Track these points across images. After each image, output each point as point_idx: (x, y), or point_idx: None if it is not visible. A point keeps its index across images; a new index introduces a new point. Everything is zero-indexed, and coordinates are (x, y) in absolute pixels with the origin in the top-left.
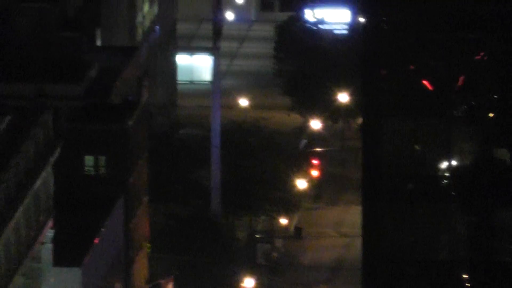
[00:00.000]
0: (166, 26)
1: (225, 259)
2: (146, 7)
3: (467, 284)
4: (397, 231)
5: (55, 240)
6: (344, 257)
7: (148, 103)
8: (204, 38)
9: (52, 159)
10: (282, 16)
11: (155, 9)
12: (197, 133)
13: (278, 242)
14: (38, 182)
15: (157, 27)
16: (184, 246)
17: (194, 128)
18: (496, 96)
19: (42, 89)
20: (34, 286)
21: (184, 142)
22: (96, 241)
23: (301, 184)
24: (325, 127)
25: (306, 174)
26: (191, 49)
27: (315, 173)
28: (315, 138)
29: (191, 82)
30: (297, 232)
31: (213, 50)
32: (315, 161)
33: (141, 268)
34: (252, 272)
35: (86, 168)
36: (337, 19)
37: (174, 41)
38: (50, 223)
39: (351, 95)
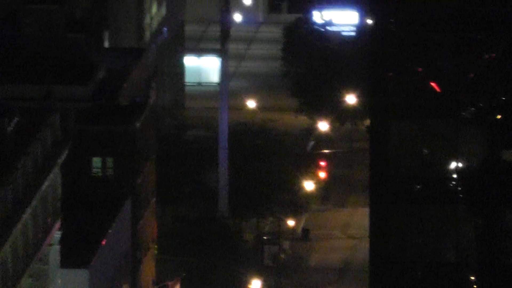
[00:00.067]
0: (174, 28)
1: (232, 260)
2: (154, 9)
3: (474, 286)
4: (404, 233)
5: (63, 241)
6: (351, 259)
7: (155, 105)
8: (212, 39)
9: (59, 161)
10: (290, 18)
11: (163, 10)
12: (204, 134)
13: (286, 244)
14: (46, 184)
15: (165, 28)
16: (191, 248)
17: (202, 130)
18: (504, 98)
19: (50, 90)
20: None
21: (191, 144)
22: (103, 242)
23: (309, 185)
24: (333, 129)
25: (314, 176)
26: (199, 51)
27: (322, 174)
28: (323, 139)
29: (199, 84)
30: (305, 234)
31: (221, 52)
32: (322, 163)
33: (148, 269)
34: (259, 273)
35: (94, 170)
36: (345, 21)
37: (182, 43)
38: (57, 225)
39: (358, 96)
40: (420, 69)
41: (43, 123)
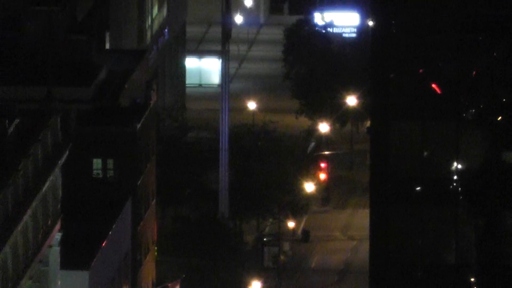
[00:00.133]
0: (175, 30)
1: (233, 262)
2: (155, 11)
3: None
4: (405, 235)
5: (63, 243)
6: (351, 261)
7: (156, 106)
8: (213, 41)
9: (60, 162)
10: (291, 19)
11: (164, 12)
12: (205, 136)
13: (286, 245)
14: (46, 185)
15: (166, 30)
16: (191, 249)
17: (203, 131)
18: (504, 99)
19: (51, 92)
20: None
21: (192, 145)
22: (103, 244)
23: (309, 187)
24: (333, 130)
25: (314, 177)
26: (200, 52)
27: (323, 176)
28: (323, 141)
29: (200, 85)
30: (305, 235)
31: (222, 53)
32: (323, 164)
33: (148, 271)
34: (259, 275)
35: (94, 171)
36: (346, 23)
37: (183, 44)
38: (57, 226)
39: (359, 98)
40: (420, 70)
41: (43, 124)
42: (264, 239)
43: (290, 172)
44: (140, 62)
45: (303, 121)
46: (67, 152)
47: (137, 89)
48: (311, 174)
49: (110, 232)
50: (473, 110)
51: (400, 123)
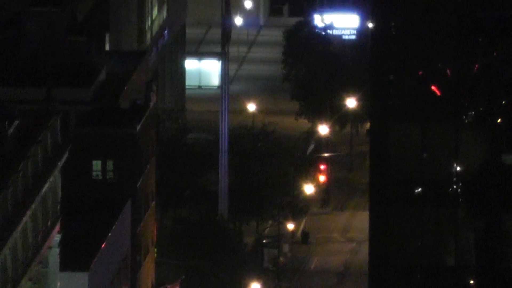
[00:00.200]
0: (175, 31)
1: (232, 263)
2: (155, 12)
3: None
4: (404, 236)
5: (62, 244)
6: (351, 262)
7: (156, 108)
8: (213, 43)
9: (60, 164)
10: (291, 21)
11: (164, 13)
12: (205, 137)
13: (285, 247)
14: (46, 187)
15: (166, 32)
16: (191, 251)
17: (202, 133)
18: (504, 101)
19: (50, 93)
20: None
21: (192, 147)
22: (103, 245)
23: (309, 189)
24: (333, 132)
25: (314, 179)
26: (200, 54)
27: (322, 178)
28: (323, 143)
29: (200, 87)
30: (304, 237)
31: (221, 55)
32: (322, 166)
33: (148, 272)
34: (259, 276)
35: (94, 173)
36: (345, 24)
37: (182, 46)
38: (57, 228)
39: (359, 100)
40: (420, 72)
41: (43, 125)
42: (264, 240)
43: (290, 174)
44: (139, 63)
45: (303, 123)
46: (67, 154)
47: (136, 90)
48: (310, 176)
49: (109, 234)
50: (473, 112)
51: (399, 125)
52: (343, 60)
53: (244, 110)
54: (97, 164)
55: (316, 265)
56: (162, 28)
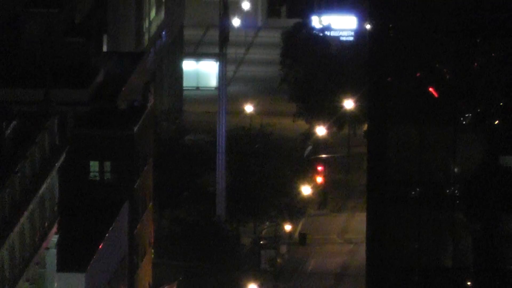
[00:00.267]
0: (173, 32)
1: (230, 264)
2: (153, 13)
3: None
4: (402, 238)
5: (60, 245)
6: (348, 264)
7: (154, 109)
8: (211, 44)
9: (57, 164)
10: (289, 22)
11: (162, 15)
12: (202, 138)
13: (283, 248)
14: (43, 187)
15: (164, 33)
16: (188, 252)
17: (200, 134)
18: (501, 103)
19: (48, 94)
20: None
21: (189, 148)
22: (100, 246)
23: (306, 190)
24: (331, 134)
25: (311, 181)
26: (198, 55)
27: (320, 179)
28: (320, 144)
29: (197, 88)
30: (302, 238)
31: (219, 56)
32: (320, 168)
33: (145, 273)
34: (256, 278)
35: (92, 174)
36: (343, 26)
37: (180, 47)
38: (54, 228)
39: (356, 101)
40: (418, 74)
41: (41, 126)
42: (261, 241)
43: (287, 175)
44: (137, 64)
45: (301, 124)
46: (65, 154)
47: (134, 91)
48: (308, 177)
49: (107, 235)
50: (470, 114)
51: (397, 127)
52: (341, 62)
53: (242, 112)
54: (94, 165)
55: (313, 266)
56: (160, 29)
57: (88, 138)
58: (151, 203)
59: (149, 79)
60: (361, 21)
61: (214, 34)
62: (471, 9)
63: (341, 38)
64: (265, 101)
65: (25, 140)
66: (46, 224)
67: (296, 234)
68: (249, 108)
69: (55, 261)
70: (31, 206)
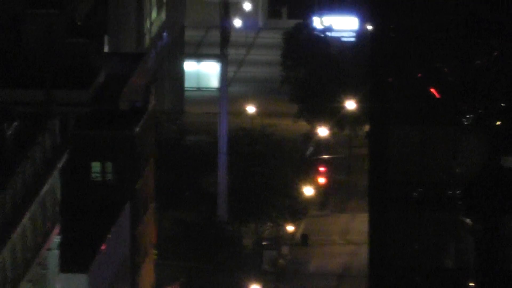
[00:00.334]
0: (174, 33)
1: (232, 265)
2: (154, 14)
3: None
4: (404, 239)
5: (62, 246)
6: (350, 265)
7: (155, 110)
8: (212, 45)
9: (59, 165)
10: (290, 23)
11: (163, 16)
12: (204, 139)
13: (285, 249)
14: (45, 188)
15: (165, 33)
16: (190, 253)
17: (201, 135)
18: (503, 104)
19: (49, 95)
20: None
21: (191, 149)
22: (102, 247)
23: (308, 191)
24: (332, 135)
25: (313, 181)
26: (199, 56)
27: (322, 180)
28: (322, 145)
29: (199, 89)
30: (304, 239)
31: (220, 57)
32: (322, 168)
33: (147, 274)
34: (258, 279)
35: (93, 174)
36: (345, 27)
37: (181, 48)
38: (56, 229)
39: (358, 102)
40: (419, 75)
41: (42, 127)
42: (263, 242)
43: (289, 176)
44: (138, 65)
45: (302, 125)
46: (66, 155)
47: (135, 92)
48: (310, 178)
49: (109, 235)
50: (472, 115)
51: (399, 128)
52: (342, 62)
53: (243, 112)
54: (96, 166)
55: (315, 267)
56: (161, 30)
57: (89, 139)
58: (152, 204)
59: (150, 80)
60: (362, 22)
61: (215, 35)
62: (472, 9)
63: (342, 39)
64: (266, 102)
65: (26, 141)
66: (48, 225)
67: (298, 235)
68: (250, 108)
69: (57, 262)
70: (32, 207)
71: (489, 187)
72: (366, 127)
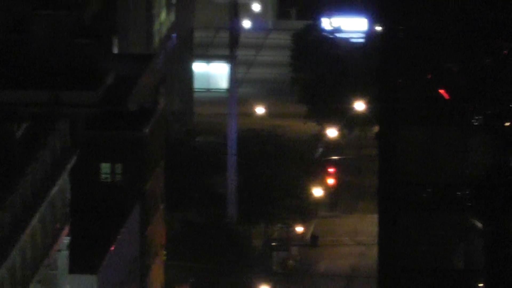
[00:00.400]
0: (183, 34)
1: (241, 266)
2: (163, 15)
3: None
4: (413, 240)
5: (71, 247)
6: (360, 266)
7: (164, 111)
8: (221, 46)
9: (68, 166)
10: (299, 24)
11: (172, 17)
12: (213, 140)
13: (294, 250)
14: (55, 189)
15: (174, 35)
16: (200, 253)
17: (211, 136)
18: None
19: (58, 96)
20: None
21: (200, 150)
22: (112, 248)
23: (317, 192)
24: (341, 135)
25: (322, 182)
26: (208, 57)
27: (331, 181)
28: (331, 146)
29: (208, 90)
30: (313, 240)
31: (229, 58)
32: (331, 169)
33: (157, 275)
34: (267, 279)
35: (103, 176)
36: (354, 28)
37: (190, 49)
38: (66, 230)
39: (367, 103)
40: (429, 76)
41: (51, 128)
42: (273, 243)
43: (299, 177)
44: (148, 66)
45: (311, 126)
46: (76, 156)
47: (145, 93)
48: (319, 179)
49: (118, 236)
50: (481, 116)
51: (408, 129)
52: (351, 63)
53: (252, 113)
54: (105, 167)
55: (325, 268)
56: (170, 31)
57: (98, 140)
58: (162, 205)
59: (160, 81)
60: (372, 23)
61: (224, 36)
62: (482, 11)
63: (351, 40)
64: (275, 103)
65: (35, 142)
66: (58, 226)
67: (308, 236)
68: (259, 110)
69: (67, 263)
70: (42, 208)
71: (498, 188)
72: (376, 128)
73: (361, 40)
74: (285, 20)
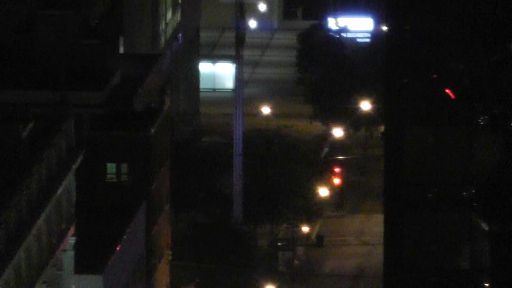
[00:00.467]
0: (189, 34)
1: (247, 266)
2: (169, 15)
3: None
4: (419, 240)
5: (77, 247)
6: (365, 266)
7: (170, 111)
8: (227, 46)
9: (74, 167)
10: (305, 24)
11: (178, 17)
12: (219, 140)
13: (300, 250)
14: (60, 189)
15: (180, 35)
16: (205, 254)
17: (216, 136)
18: None
19: (64, 96)
20: None
21: (206, 150)
22: (117, 248)
23: (323, 192)
24: (347, 135)
25: (328, 182)
26: (214, 57)
27: (337, 181)
28: (337, 146)
29: (214, 90)
30: (319, 240)
31: (235, 58)
32: (337, 169)
33: (162, 275)
34: (273, 280)
35: (108, 176)
36: (360, 28)
37: (196, 49)
38: (71, 230)
39: (373, 103)
40: (434, 76)
41: (57, 129)
42: (278, 243)
43: (304, 177)
44: (154, 66)
45: (317, 126)
46: (81, 156)
47: (151, 93)
48: (325, 178)
49: (124, 236)
50: (487, 116)
51: (414, 129)
52: (357, 63)
53: (258, 113)
54: (111, 167)
55: (330, 268)
56: (176, 31)
57: (104, 140)
58: (167, 205)
59: (166, 81)
60: (378, 23)
61: (230, 36)
62: (488, 11)
63: (358, 40)
64: (281, 103)
65: (41, 142)
66: (63, 226)
67: (313, 236)
68: (265, 110)
69: (72, 263)
70: (48, 208)
71: (504, 188)
72: (381, 128)
73: (367, 40)
74: (291, 20)
